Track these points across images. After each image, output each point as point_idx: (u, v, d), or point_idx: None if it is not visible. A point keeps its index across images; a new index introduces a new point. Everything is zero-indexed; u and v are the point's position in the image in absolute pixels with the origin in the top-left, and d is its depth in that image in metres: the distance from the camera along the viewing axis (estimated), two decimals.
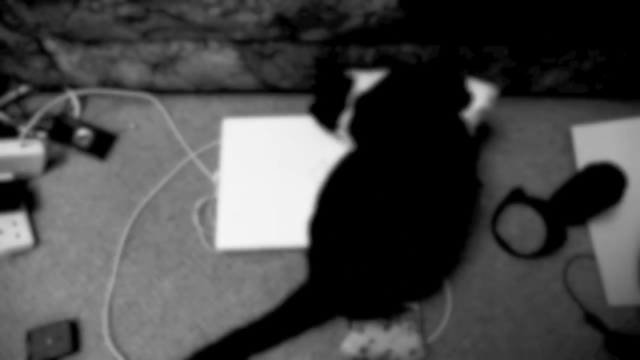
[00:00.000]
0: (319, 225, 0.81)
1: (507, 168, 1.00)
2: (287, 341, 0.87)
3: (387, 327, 0.85)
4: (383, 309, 0.84)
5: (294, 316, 0.86)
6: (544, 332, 0.89)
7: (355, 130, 0.87)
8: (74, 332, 0.87)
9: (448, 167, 0.77)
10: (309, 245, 0.82)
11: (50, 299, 0.90)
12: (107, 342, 0.87)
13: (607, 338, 0.87)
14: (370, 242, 0.75)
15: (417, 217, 0.74)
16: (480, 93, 0.81)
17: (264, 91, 1.06)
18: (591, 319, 0.88)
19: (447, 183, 0.76)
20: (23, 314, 0.89)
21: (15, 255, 0.93)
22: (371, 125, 0.85)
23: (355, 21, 0.77)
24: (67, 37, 0.84)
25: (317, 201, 0.82)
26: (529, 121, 1.03)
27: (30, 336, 0.85)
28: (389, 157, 0.78)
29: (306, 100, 1.06)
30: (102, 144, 1.00)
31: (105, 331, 0.88)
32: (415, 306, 0.88)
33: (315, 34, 0.82)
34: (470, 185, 0.80)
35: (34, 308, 0.90)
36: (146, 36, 0.83)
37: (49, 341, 0.85)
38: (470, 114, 0.81)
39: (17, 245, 0.91)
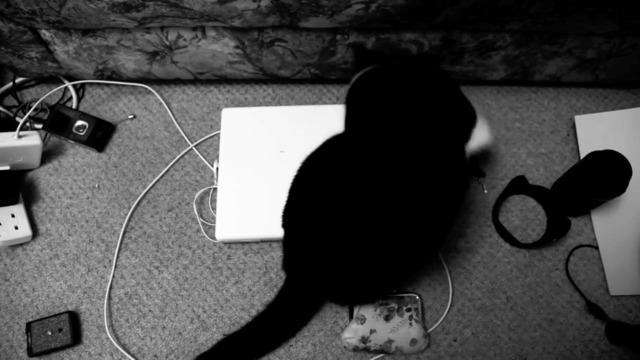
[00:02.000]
0: (298, 211, 0.77)
1: (509, 157, 0.99)
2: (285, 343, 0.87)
3: (388, 317, 0.85)
4: (368, 294, 0.83)
5: (282, 319, 0.86)
6: (545, 322, 0.89)
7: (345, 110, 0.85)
8: (74, 323, 0.87)
9: (436, 156, 0.74)
10: (286, 235, 0.79)
11: (49, 291, 0.90)
12: (108, 333, 0.87)
13: (609, 328, 0.87)
14: (349, 229, 0.71)
15: (398, 205, 0.71)
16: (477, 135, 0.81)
17: (263, 80, 1.05)
18: (593, 309, 0.88)
19: (434, 173, 0.73)
20: (23, 305, 0.89)
21: (14, 247, 0.93)
22: (359, 110, 0.82)
23: (355, 8, 0.76)
24: (63, 26, 0.83)
25: (296, 188, 0.78)
26: (531, 110, 1.03)
27: (30, 328, 0.85)
28: (375, 143, 0.74)
29: (305, 90, 1.05)
30: (100, 135, 0.99)
31: (105, 322, 0.88)
32: (416, 296, 0.88)
33: (314, 22, 0.80)
34: (459, 175, 0.78)
35: (34, 300, 0.90)
36: (143, 25, 0.82)
37: (49, 333, 0.85)
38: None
39: (16, 237, 0.91)
